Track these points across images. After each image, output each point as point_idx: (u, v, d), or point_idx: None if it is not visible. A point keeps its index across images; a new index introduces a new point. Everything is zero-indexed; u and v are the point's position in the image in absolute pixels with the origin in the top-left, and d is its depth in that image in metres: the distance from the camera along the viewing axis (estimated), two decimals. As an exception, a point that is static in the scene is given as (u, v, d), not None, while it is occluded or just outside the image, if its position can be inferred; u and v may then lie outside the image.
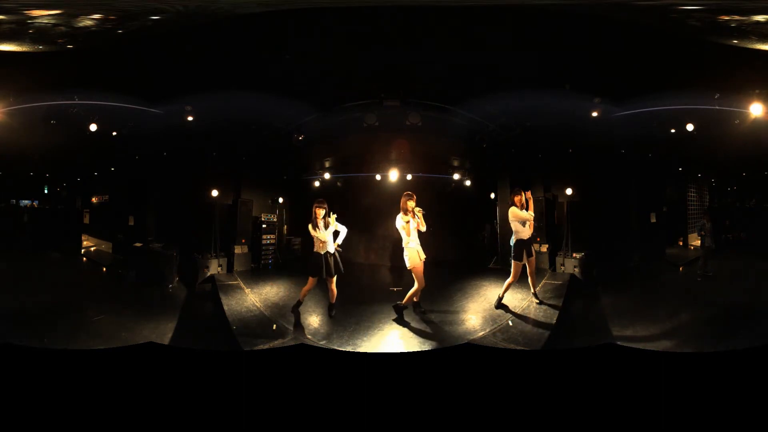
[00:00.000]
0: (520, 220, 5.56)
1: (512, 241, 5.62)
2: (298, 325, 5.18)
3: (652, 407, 3.02)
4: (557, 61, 5.62)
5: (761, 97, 5.62)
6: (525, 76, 5.99)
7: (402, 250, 5.27)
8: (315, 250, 5.35)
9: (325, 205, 5.37)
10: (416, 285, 5.22)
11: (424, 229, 5.25)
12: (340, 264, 5.39)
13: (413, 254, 5.18)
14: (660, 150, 7.22)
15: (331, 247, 5.34)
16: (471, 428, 3.04)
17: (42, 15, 4.05)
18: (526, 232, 5.58)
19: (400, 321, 5.22)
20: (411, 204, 5.19)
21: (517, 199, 5.63)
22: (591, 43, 5.06)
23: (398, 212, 5.29)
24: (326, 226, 5.31)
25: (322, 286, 5.56)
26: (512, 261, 5.56)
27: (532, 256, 5.62)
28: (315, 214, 5.32)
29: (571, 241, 7.19)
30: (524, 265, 5.59)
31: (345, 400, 3.17)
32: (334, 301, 5.42)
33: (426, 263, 5.25)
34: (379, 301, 5.77)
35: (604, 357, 3.82)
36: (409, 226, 5.18)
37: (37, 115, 5.96)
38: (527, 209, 5.66)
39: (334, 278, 5.34)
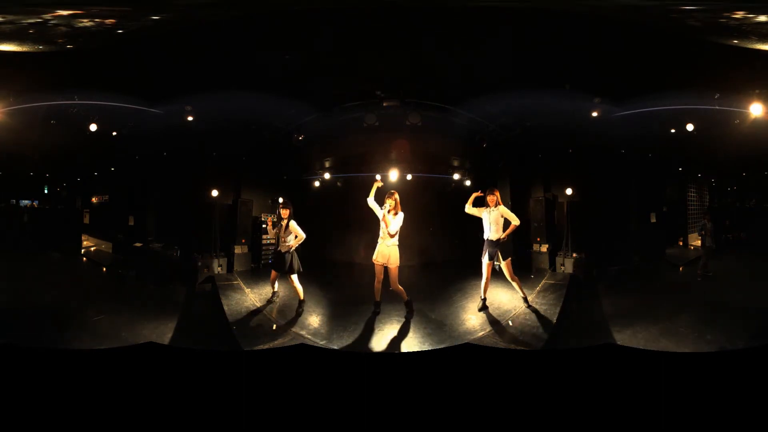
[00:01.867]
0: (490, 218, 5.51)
1: None
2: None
3: (652, 407, 3.02)
4: (557, 61, 5.62)
5: (761, 97, 5.62)
6: (525, 77, 6.00)
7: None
8: (279, 246, 5.66)
9: (291, 207, 5.65)
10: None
11: (390, 230, 5.25)
12: (297, 263, 5.65)
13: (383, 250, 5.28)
14: (660, 150, 7.22)
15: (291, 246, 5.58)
16: (471, 428, 3.04)
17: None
18: (491, 233, 5.49)
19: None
20: (389, 202, 5.26)
21: (489, 198, 5.49)
22: (591, 43, 5.06)
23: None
24: (285, 228, 5.57)
25: (321, 287, 5.57)
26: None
27: (494, 260, 5.46)
28: (280, 214, 5.62)
29: (571, 241, 7.19)
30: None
31: (345, 400, 3.17)
32: (301, 297, 5.65)
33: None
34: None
35: (604, 357, 3.82)
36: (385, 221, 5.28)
37: (37, 115, 5.96)
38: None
39: (293, 276, 5.58)
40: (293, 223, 5.58)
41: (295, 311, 5.55)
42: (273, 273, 5.79)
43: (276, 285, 5.90)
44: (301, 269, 5.65)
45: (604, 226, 7.16)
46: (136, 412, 3.06)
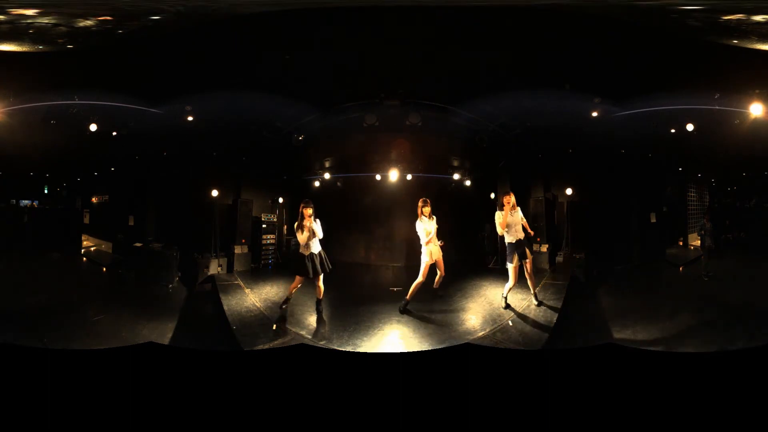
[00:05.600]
0: (501, 225, 5.57)
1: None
2: (285, 321, 5.32)
3: (652, 407, 3.02)
4: (557, 61, 5.62)
5: (761, 97, 5.62)
6: (525, 76, 6.00)
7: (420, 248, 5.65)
8: (300, 250, 5.36)
9: (312, 205, 5.36)
10: (420, 278, 5.54)
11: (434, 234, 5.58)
12: (327, 262, 5.47)
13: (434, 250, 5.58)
14: (660, 150, 7.22)
15: (317, 247, 5.37)
16: (471, 428, 3.04)
17: (37, 14, 4.05)
18: (511, 236, 5.56)
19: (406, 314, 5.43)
20: (427, 209, 5.59)
21: (505, 199, 5.58)
22: (591, 43, 5.06)
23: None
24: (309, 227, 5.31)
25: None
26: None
27: (526, 258, 5.54)
28: (303, 213, 5.29)
29: (571, 241, 7.19)
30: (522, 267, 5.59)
31: (345, 400, 3.17)
32: (321, 297, 5.50)
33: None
34: (379, 302, 5.77)
35: (604, 357, 3.82)
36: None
37: (37, 115, 5.96)
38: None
39: (321, 276, 5.41)
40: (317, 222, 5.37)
41: (284, 311, 5.46)
42: (298, 279, 5.42)
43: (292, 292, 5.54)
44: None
45: (604, 226, 7.16)
46: (136, 412, 3.06)
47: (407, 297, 5.51)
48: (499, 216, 5.58)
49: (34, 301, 5.41)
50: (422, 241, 5.57)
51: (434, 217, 5.66)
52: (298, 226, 5.31)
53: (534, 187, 7.92)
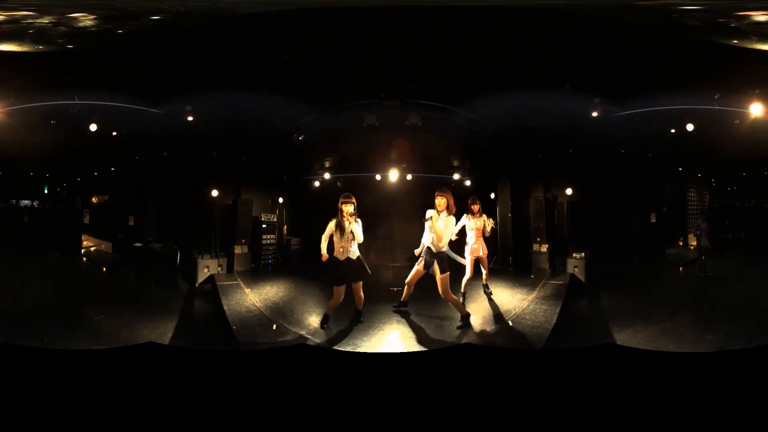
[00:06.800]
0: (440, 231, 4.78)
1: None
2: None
3: (652, 407, 3.02)
4: (557, 61, 5.63)
5: (761, 97, 5.63)
6: (526, 76, 6.00)
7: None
8: (335, 255, 4.84)
9: (354, 202, 4.76)
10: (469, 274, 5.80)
11: (488, 233, 5.77)
12: (367, 267, 4.93)
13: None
14: (660, 150, 7.23)
15: (356, 252, 4.88)
16: (471, 428, 3.04)
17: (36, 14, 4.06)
18: (431, 242, 4.89)
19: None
20: (476, 208, 5.72)
21: (438, 202, 4.81)
22: (591, 43, 5.07)
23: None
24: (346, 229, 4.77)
25: (321, 287, 5.54)
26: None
27: (428, 269, 4.94)
28: (341, 210, 4.72)
29: (571, 241, 7.19)
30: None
31: (345, 400, 3.17)
32: (361, 307, 5.14)
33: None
34: (379, 302, 5.76)
35: (604, 357, 3.82)
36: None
37: (37, 115, 5.97)
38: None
39: (361, 283, 4.99)
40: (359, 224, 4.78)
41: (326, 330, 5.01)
42: (338, 291, 4.85)
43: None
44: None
45: (604, 226, 7.16)
46: (136, 412, 3.06)
47: (461, 291, 5.76)
48: (451, 220, 4.80)
49: (34, 301, 5.42)
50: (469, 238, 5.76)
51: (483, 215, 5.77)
52: (337, 224, 4.75)
53: (534, 187, 7.92)
